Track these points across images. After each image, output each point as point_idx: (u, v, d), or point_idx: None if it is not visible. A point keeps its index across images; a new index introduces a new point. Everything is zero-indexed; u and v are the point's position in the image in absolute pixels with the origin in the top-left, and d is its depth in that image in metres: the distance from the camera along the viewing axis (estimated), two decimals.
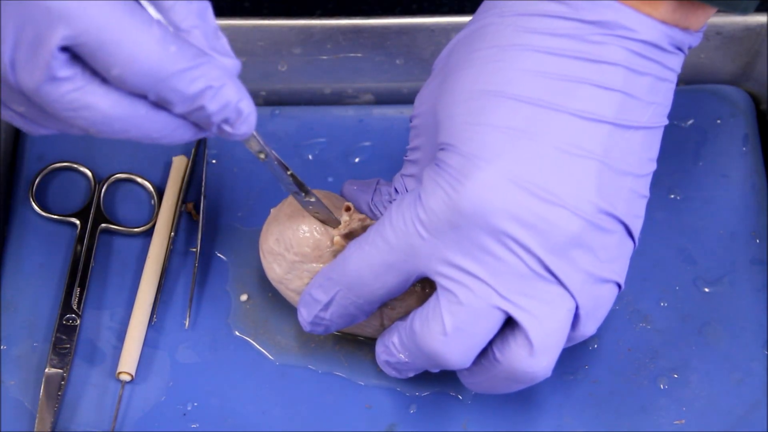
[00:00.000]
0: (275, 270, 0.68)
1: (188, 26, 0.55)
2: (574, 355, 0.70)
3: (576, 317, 0.61)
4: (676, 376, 0.70)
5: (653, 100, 0.60)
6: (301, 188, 0.65)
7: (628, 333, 0.72)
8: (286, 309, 0.72)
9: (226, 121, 0.56)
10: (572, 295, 0.60)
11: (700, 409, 0.69)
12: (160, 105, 0.54)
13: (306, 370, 0.70)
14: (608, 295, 0.62)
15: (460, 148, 0.59)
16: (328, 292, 0.64)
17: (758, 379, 0.70)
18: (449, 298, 0.60)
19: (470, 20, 0.64)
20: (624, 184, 0.60)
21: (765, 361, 0.71)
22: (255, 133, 0.60)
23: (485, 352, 0.62)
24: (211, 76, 0.54)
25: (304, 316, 0.66)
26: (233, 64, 0.56)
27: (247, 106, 0.56)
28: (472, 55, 0.61)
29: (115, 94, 0.53)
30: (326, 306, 0.65)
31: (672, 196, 0.76)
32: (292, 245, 0.67)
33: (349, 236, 0.66)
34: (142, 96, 0.54)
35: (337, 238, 0.66)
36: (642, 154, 0.61)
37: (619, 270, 0.62)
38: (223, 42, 0.56)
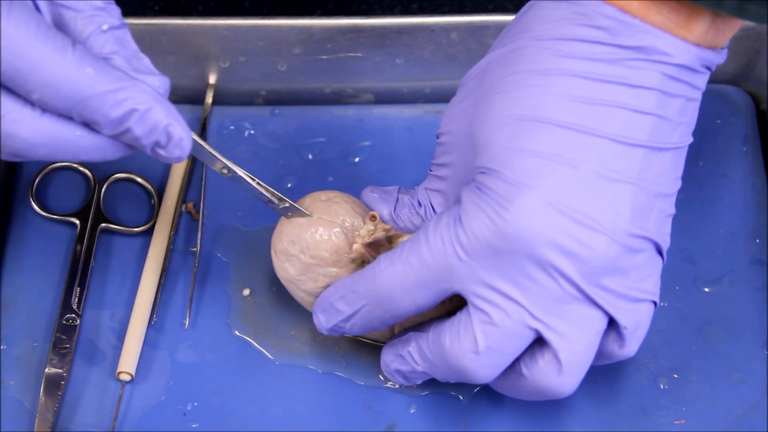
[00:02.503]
0: (288, 270, 0.68)
1: (108, 53, 0.57)
2: None
3: (621, 337, 0.62)
4: (676, 376, 0.70)
5: (682, 120, 0.61)
6: (273, 196, 0.66)
7: None
8: (287, 309, 0.72)
9: (157, 144, 0.57)
10: (610, 316, 0.61)
11: (700, 409, 0.69)
12: (92, 128, 0.56)
13: (306, 370, 0.70)
14: (646, 314, 0.62)
15: (503, 173, 0.59)
16: (352, 304, 0.64)
17: (758, 379, 0.70)
18: (482, 318, 0.61)
19: (501, 39, 0.63)
20: (655, 204, 0.60)
21: (765, 361, 0.71)
22: (210, 149, 0.62)
23: (512, 365, 0.63)
24: (136, 99, 0.56)
25: (323, 322, 0.66)
26: (160, 81, 0.58)
27: (178, 131, 0.57)
28: (508, 77, 0.61)
29: (39, 121, 0.55)
30: (349, 317, 0.65)
31: None
32: (309, 247, 0.66)
33: (372, 246, 0.66)
34: (71, 118, 0.56)
35: (357, 246, 0.66)
36: (671, 173, 0.61)
37: (652, 288, 0.62)
38: (146, 62, 0.58)
